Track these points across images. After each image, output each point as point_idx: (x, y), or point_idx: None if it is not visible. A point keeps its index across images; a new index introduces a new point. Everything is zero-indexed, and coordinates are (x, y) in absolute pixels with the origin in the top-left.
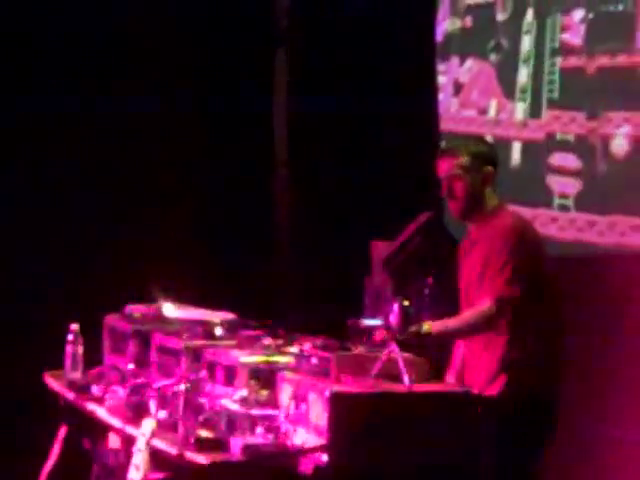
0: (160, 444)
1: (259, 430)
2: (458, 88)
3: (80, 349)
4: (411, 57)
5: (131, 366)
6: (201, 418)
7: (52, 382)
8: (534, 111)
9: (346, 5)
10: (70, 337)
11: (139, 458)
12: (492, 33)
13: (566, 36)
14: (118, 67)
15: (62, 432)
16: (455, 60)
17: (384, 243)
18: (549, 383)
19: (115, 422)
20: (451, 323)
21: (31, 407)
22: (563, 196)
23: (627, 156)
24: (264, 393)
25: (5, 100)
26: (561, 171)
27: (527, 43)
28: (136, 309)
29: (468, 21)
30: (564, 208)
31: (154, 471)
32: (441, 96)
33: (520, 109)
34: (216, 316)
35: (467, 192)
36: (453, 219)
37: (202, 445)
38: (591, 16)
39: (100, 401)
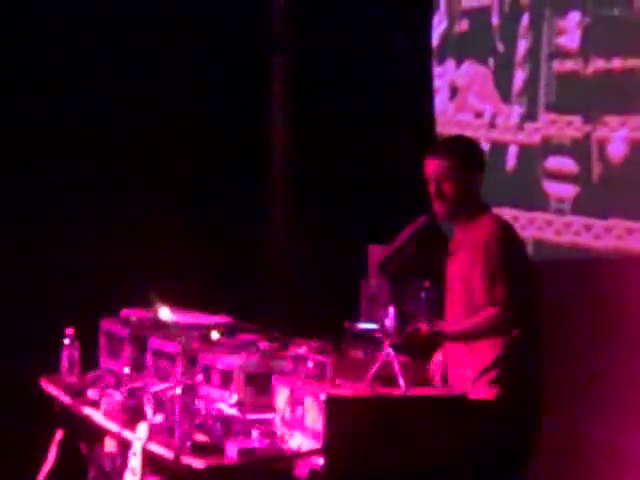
0: (156, 448)
1: (255, 434)
2: (454, 92)
3: (76, 353)
4: (407, 61)
5: (127, 370)
6: (197, 422)
7: (48, 386)
8: (530, 115)
9: (343, 8)
10: (66, 341)
11: (135, 462)
12: (488, 37)
13: (562, 40)
14: (117, 68)
15: (58, 436)
16: (451, 63)
17: (380, 247)
18: (534, 382)
19: (111, 426)
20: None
21: (27, 411)
22: (559, 200)
23: (623, 159)
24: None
25: (5, 100)
26: (557, 175)
27: (523, 47)
28: (132, 313)
29: (464, 25)
30: (560, 212)
31: (150, 475)
32: (437, 100)
33: (516, 113)
34: (212, 320)
35: (454, 193)
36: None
37: (198, 449)
38: (587, 20)
39: (96, 405)
